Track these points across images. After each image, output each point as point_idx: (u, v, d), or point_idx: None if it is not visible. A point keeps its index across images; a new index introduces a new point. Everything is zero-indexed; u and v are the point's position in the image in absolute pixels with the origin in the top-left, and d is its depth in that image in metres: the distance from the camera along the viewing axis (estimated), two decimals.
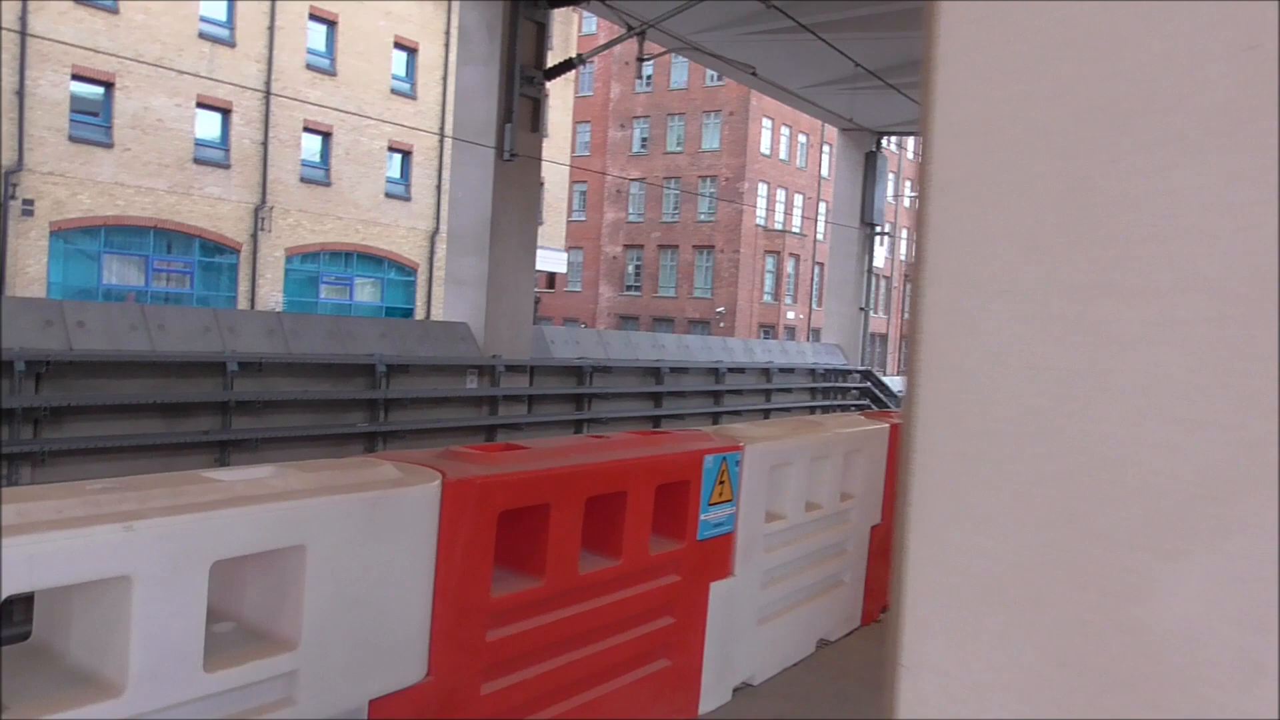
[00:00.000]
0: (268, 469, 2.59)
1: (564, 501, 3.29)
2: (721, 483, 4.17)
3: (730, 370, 16.39)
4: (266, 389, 9.44)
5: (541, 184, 13.12)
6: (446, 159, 28.42)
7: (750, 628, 4.50)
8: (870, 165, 20.69)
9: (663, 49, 14.35)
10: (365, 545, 2.53)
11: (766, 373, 17.49)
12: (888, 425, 5.73)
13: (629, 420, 14.28)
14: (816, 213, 55.40)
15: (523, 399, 12.54)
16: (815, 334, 55.07)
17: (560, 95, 37.58)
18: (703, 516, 4.06)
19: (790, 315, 53.55)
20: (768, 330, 51.43)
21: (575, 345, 13.65)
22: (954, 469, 0.97)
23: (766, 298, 52.13)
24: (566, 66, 12.85)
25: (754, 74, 14.13)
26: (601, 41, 53.19)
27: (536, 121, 12.49)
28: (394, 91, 30.34)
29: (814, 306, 55.42)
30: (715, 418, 16.20)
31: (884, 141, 21.00)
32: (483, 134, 12.09)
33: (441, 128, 30.54)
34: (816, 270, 55.42)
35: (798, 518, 4.87)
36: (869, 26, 12.76)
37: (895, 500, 1.04)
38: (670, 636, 3.92)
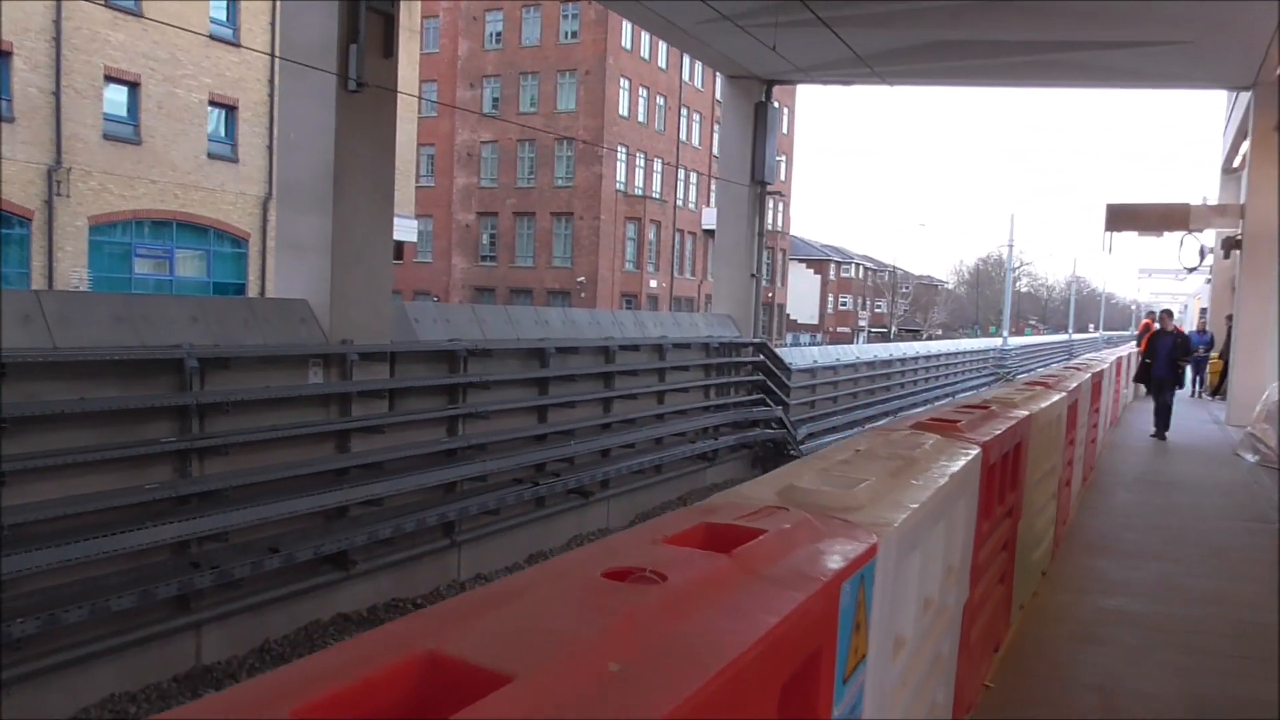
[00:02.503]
0: None
1: None
2: (857, 627, 2.05)
3: (622, 348, 14.26)
4: (19, 399, 6.72)
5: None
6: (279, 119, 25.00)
7: None
8: (761, 117, 18.82)
9: None
10: None
11: (659, 349, 15.44)
12: (978, 449, 3.72)
13: (511, 413, 11.97)
14: (676, 178, 53.75)
15: (383, 394, 10.06)
16: (677, 303, 53.59)
17: (404, 49, 34.30)
18: (836, 716, 1.92)
19: (652, 284, 51.81)
20: (629, 300, 49.58)
21: (445, 324, 11.23)
22: None
23: (628, 266, 50.15)
24: None
25: None
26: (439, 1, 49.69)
27: (390, 44, 9.95)
28: (214, 37, 26.60)
29: (675, 275, 53.92)
30: (607, 404, 14.08)
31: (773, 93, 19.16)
32: (319, 59, 9.48)
33: (272, 78, 27.02)
34: (677, 237, 53.90)
35: (917, 631, 2.80)
36: None
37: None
38: None
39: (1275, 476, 11.56)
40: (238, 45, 27.01)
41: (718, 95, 56.46)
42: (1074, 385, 7.81)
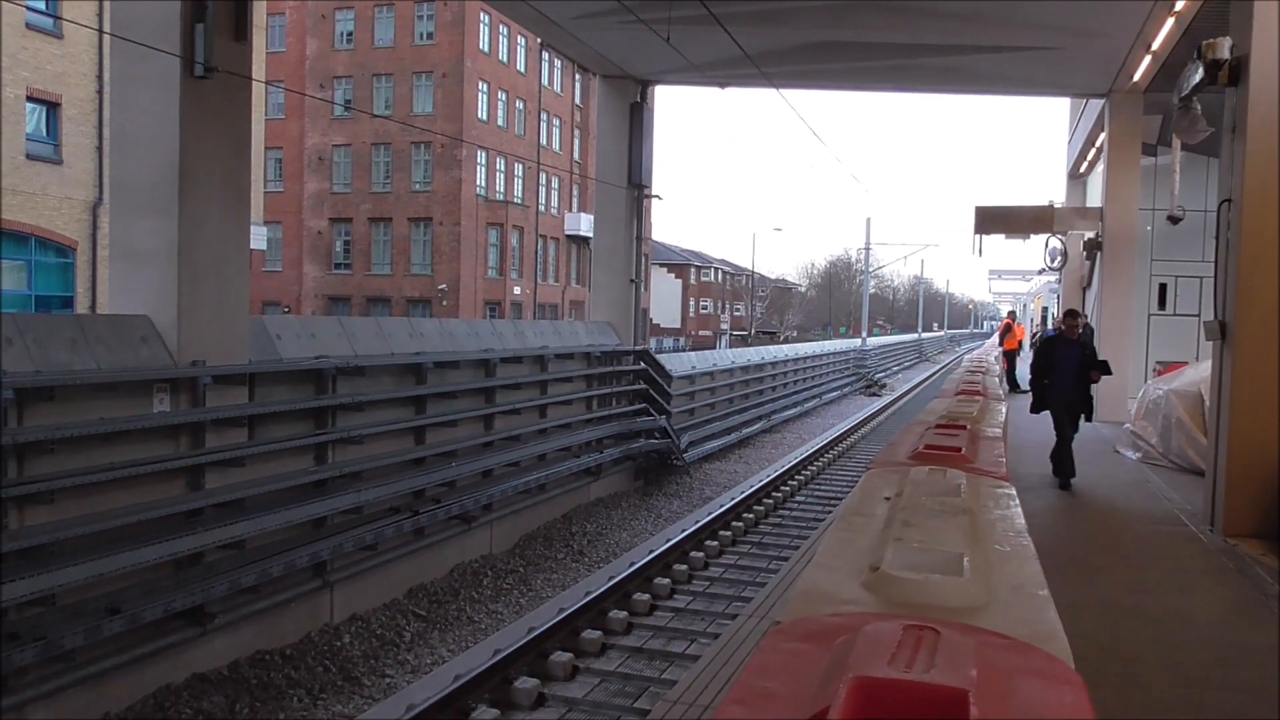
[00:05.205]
0: None
1: None
2: None
3: (503, 361, 13.36)
4: None
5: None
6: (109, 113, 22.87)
7: None
8: (637, 119, 18.22)
9: None
10: None
11: (541, 360, 14.61)
12: (1010, 486, 3.10)
13: (387, 436, 10.93)
14: (538, 183, 52.80)
15: (241, 421, 8.88)
16: (541, 310, 52.67)
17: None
18: None
19: (516, 291, 50.70)
20: (493, 308, 48.38)
21: (310, 340, 10.09)
22: None
23: (491, 273, 48.88)
24: None
25: None
26: None
27: (242, 26, 8.80)
28: (31, 26, 24.18)
29: (539, 281, 52.99)
30: (489, 421, 13.15)
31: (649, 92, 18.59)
32: (160, 40, 8.28)
33: (100, 73, 24.86)
34: (540, 243, 52.98)
35: None
36: None
37: None
38: None
39: (1160, 473, 11.67)
40: (60, 36, 24.63)
41: (577, 100, 55.90)
42: (997, 389, 7.48)
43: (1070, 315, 11.24)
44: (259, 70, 30.83)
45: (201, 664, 8.22)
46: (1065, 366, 10.51)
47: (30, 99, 24.17)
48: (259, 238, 31.35)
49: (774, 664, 1.51)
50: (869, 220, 54.24)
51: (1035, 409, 10.85)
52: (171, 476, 8.09)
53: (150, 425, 7.88)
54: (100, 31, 22.55)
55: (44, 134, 24.84)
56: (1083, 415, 10.67)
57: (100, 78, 24.64)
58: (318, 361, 9.80)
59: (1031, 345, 33.15)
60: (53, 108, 24.82)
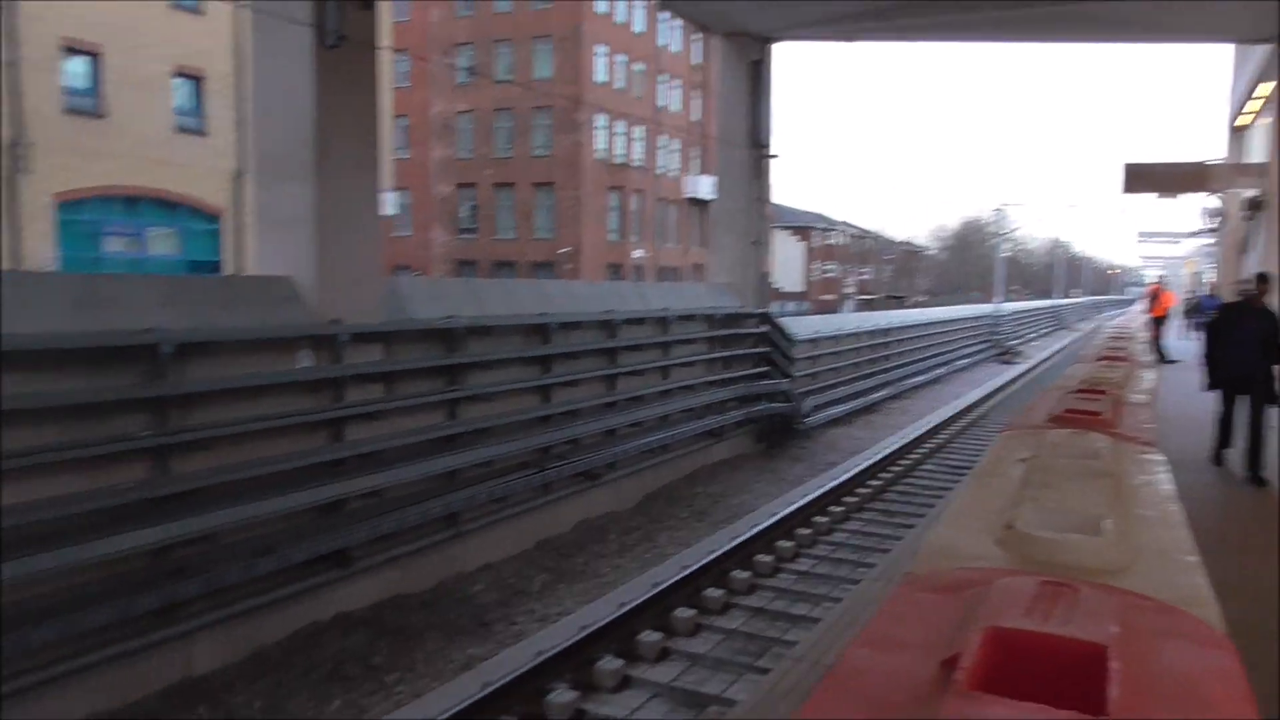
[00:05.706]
0: None
1: None
2: None
3: (625, 322, 13.49)
4: None
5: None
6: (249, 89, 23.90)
7: None
8: (757, 77, 17.98)
9: None
10: None
11: (663, 322, 14.68)
12: (1161, 454, 2.99)
13: (514, 394, 11.20)
14: (656, 146, 52.68)
15: (377, 378, 9.25)
16: (662, 273, 52.74)
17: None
18: None
19: (636, 254, 50.87)
20: (614, 271, 48.67)
21: (439, 301, 10.41)
22: None
23: (612, 236, 49.18)
24: None
25: None
26: None
27: None
28: (175, 6, 25.39)
29: (659, 245, 53.02)
30: (611, 381, 13.32)
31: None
32: (294, 12, 8.59)
33: (238, 48, 25.87)
34: (660, 207, 52.94)
35: None
36: None
37: None
38: None
39: None
40: (201, 13, 25.78)
41: (696, 60, 55.39)
42: (1143, 356, 7.16)
43: (1262, 280, 9.40)
44: (385, 39, 31.69)
45: (346, 604, 8.67)
46: (1243, 338, 8.92)
47: (177, 74, 25.41)
48: (389, 203, 32.37)
49: (905, 612, 1.52)
50: (1004, 181, 52.23)
51: (1209, 385, 9.43)
52: (315, 428, 8.51)
53: (295, 380, 8.29)
54: (238, 2, 23.46)
55: (190, 107, 26.12)
56: (1263, 398, 8.90)
57: (238, 53, 25.69)
58: (448, 321, 10.10)
59: (1186, 314, 31.38)
60: (197, 82, 26.06)
